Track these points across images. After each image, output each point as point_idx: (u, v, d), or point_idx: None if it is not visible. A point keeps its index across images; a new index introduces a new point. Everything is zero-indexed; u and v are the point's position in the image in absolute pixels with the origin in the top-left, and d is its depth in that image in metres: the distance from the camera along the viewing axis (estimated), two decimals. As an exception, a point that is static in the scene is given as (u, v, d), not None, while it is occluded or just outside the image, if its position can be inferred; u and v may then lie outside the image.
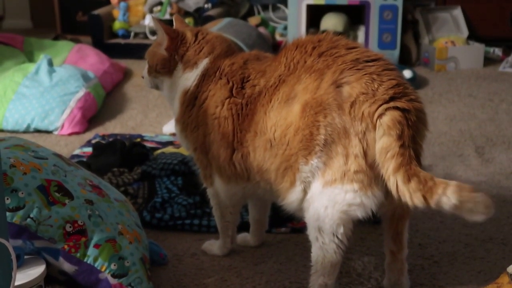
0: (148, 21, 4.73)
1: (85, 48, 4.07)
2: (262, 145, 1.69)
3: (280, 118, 1.65)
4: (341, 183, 1.58)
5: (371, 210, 1.60)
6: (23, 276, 1.56)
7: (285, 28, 4.64)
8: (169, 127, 3.13)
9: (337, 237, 1.62)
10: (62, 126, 3.17)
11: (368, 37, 4.30)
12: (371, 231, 2.13)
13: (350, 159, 1.56)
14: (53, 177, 1.74)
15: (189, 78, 1.85)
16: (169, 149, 2.77)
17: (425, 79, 4.06)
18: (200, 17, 4.56)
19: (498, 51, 4.53)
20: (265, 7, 4.90)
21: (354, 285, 1.84)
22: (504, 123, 3.22)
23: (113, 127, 3.28)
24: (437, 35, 4.49)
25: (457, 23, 4.56)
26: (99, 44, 4.59)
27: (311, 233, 1.66)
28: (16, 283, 1.46)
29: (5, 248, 1.29)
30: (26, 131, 3.17)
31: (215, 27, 3.78)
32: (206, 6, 4.66)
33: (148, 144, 2.88)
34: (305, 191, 1.64)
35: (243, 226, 2.09)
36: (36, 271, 1.59)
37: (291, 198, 1.68)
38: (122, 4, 4.79)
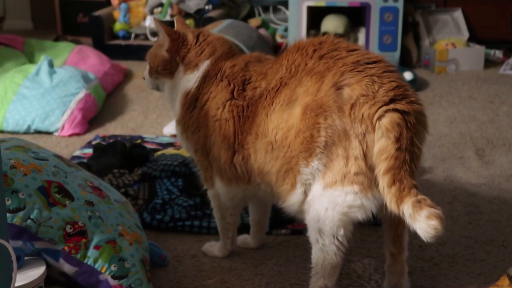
0: (148, 22, 4.73)
1: (85, 49, 4.07)
2: (263, 148, 1.69)
3: (282, 121, 1.65)
4: (342, 185, 1.58)
5: (371, 212, 1.60)
6: (23, 277, 1.56)
7: (286, 29, 4.64)
8: (170, 129, 3.14)
9: (338, 239, 1.63)
10: (63, 127, 3.17)
11: (368, 39, 4.30)
12: (371, 233, 2.13)
13: (350, 161, 1.56)
14: (54, 178, 1.74)
15: (190, 79, 1.85)
16: (170, 151, 2.78)
17: (426, 81, 4.06)
18: (200, 18, 4.56)
19: (498, 53, 4.53)
20: (265, 9, 4.90)
21: (354, 287, 1.84)
22: (505, 125, 3.22)
23: (114, 128, 3.28)
24: (438, 37, 4.49)
25: (457, 25, 4.57)
26: (99, 45, 4.59)
27: (312, 235, 1.66)
28: (16, 284, 1.46)
29: (6, 249, 1.29)
30: (26, 132, 3.17)
31: (215, 29, 3.78)
32: (206, 7, 4.66)
33: (149, 146, 2.88)
34: (305, 193, 1.65)
35: (244, 228, 2.09)
36: (36, 272, 1.59)
37: (291, 200, 1.68)
38: (123, 5, 4.79)
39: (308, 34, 4.31)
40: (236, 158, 1.76)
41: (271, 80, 1.73)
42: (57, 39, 4.81)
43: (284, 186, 1.68)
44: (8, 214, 1.61)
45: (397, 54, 4.29)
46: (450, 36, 4.48)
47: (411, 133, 1.54)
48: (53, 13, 5.34)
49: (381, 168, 1.53)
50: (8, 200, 1.62)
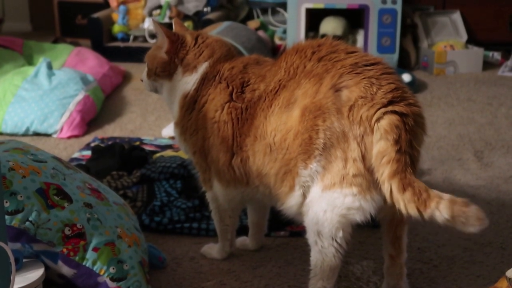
0: (147, 24, 4.73)
1: (84, 51, 4.07)
2: (261, 150, 1.69)
3: (280, 123, 1.65)
4: (340, 187, 1.58)
5: (370, 214, 1.60)
6: (22, 279, 1.56)
7: (284, 31, 4.64)
8: (168, 131, 3.13)
9: (336, 241, 1.62)
10: (61, 129, 3.17)
11: (367, 41, 4.31)
12: (370, 235, 2.13)
13: (349, 163, 1.56)
14: (52, 180, 1.74)
15: (188, 81, 1.86)
16: (168, 153, 2.78)
17: (424, 83, 4.06)
18: (199, 20, 4.56)
19: (497, 55, 4.53)
20: (264, 11, 4.90)
21: (353, 289, 1.84)
22: (503, 127, 3.23)
23: (112, 130, 3.28)
24: (436, 39, 4.49)
25: (456, 27, 4.57)
26: (98, 47, 4.59)
27: (310, 237, 1.66)
28: (15, 287, 1.46)
29: (4, 251, 1.29)
30: (25, 134, 3.17)
31: (214, 31, 3.78)
32: (205, 9, 4.67)
33: (147, 148, 2.88)
34: (304, 196, 1.64)
35: (242, 230, 2.09)
36: (35, 274, 1.59)
37: (290, 203, 1.68)
38: (122, 7, 4.79)
39: (306, 36, 4.31)
40: (234, 160, 1.76)
41: (269, 82, 1.73)
42: (55, 41, 4.81)
43: (283, 188, 1.68)
44: (6, 216, 1.61)
45: (395, 56, 4.30)
46: (449, 38, 4.49)
47: (410, 135, 1.54)
48: (52, 15, 5.34)
49: (384, 172, 1.52)
50: (6, 202, 1.62)
